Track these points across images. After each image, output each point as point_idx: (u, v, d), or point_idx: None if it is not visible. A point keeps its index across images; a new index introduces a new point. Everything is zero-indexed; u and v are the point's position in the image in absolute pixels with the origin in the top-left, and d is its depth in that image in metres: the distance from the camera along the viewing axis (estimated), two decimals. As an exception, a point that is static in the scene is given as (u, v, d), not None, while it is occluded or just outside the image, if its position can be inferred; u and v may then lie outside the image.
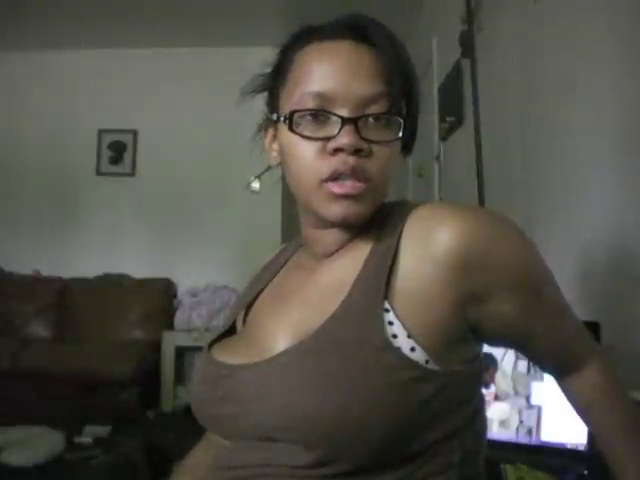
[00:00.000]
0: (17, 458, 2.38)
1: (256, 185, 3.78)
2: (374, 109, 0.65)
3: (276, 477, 0.62)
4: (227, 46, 4.21)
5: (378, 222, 0.69)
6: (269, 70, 0.73)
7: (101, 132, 4.36)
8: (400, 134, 0.66)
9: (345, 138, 0.62)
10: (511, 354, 1.19)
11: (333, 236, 0.70)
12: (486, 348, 0.72)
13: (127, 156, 4.37)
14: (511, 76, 1.95)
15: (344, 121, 0.63)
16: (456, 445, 0.64)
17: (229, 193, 4.17)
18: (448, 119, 2.72)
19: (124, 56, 4.33)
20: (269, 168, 0.77)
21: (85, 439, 2.77)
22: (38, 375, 3.27)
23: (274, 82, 0.72)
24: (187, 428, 1.21)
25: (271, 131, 0.73)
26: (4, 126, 4.33)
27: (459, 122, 2.57)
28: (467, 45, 2.29)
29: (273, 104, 0.72)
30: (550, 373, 0.74)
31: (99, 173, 4.37)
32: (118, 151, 4.36)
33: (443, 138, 2.93)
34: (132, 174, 4.37)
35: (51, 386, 3.25)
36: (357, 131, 0.63)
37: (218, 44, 4.20)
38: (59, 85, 4.36)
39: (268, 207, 4.00)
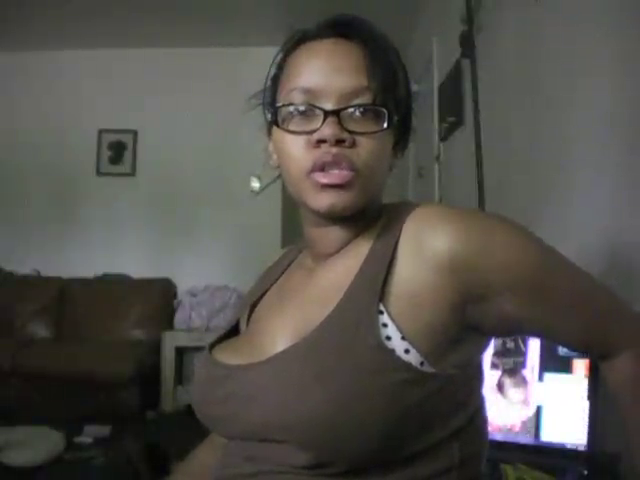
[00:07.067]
0: (17, 458, 2.38)
1: (256, 185, 3.78)
2: (357, 102, 0.66)
3: (275, 476, 0.62)
4: (227, 46, 4.21)
5: (379, 223, 0.69)
6: (269, 82, 0.75)
7: (101, 132, 4.36)
8: (385, 125, 0.66)
9: (327, 129, 0.64)
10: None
11: (334, 234, 0.71)
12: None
13: (127, 156, 4.36)
14: (511, 76, 1.95)
15: (326, 113, 0.64)
16: (455, 448, 0.63)
17: (229, 193, 4.17)
18: (448, 119, 2.72)
19: (124, 56, 4.32)
20: (276, 180, 0.79)
21: (85, 439, 2.77)
22: (38, 375, 3.27)
23: (272, 91, 0.74)
24: (187, 428, 1.21)
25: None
26: (4, 126, 4.33)
27: (459, 122, 2.57)
28: (467, 45, 2.29)
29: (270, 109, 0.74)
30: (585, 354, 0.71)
31: (99, 173, 4.37)
32: (118, 151, 4.36)
33: (443, 138, 2.93)
34: (132, 174, 4.37)
35: (51, 386, 3.25)
36: (340, 123, 0.64)
37: (218, 44, 4.20)
38: (59, 85, 4.36)
39: (268, 207, 4.00)
